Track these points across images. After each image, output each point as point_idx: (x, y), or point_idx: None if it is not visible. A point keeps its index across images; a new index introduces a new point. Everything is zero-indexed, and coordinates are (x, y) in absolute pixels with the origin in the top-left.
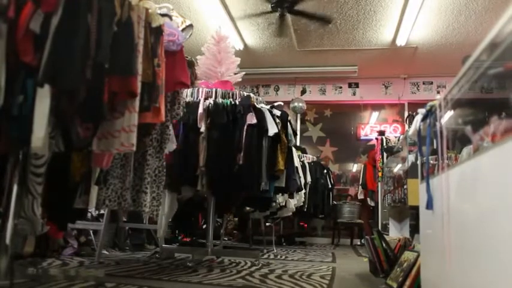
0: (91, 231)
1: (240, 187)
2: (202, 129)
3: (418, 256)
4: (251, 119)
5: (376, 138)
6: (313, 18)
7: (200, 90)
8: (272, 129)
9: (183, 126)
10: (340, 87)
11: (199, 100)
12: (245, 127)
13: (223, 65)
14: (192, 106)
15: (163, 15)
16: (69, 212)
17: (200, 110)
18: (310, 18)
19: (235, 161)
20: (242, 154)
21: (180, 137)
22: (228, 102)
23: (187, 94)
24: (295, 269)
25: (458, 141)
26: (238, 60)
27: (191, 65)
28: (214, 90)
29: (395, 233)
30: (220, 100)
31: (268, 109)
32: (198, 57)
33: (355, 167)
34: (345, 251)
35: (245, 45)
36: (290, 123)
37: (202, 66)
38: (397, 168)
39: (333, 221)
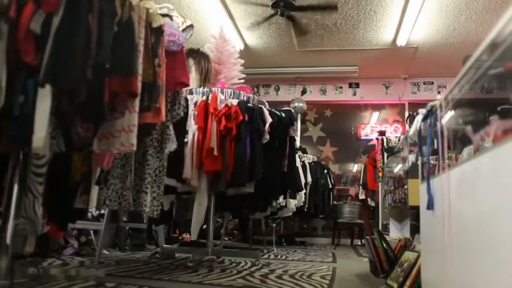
0: (91, 231)
1: (283, 189)
2: (267, 136)
3: (418, 256)
4: (293, 132)
5: (377, 139)
6: (317, 9)
7: (242, 93)
8: (297, 140)
9: (250, 131)
10: (341, 87)
11: (262, 107)
12: (288, 138)
13: (234, 66)
14: (255, 111)
15: (163, 15)
16: (70, 211)
17: (269, 118)
18: (314, 10)
19: (281, 168)
20: (287, 162)
21: (247, 140)
22: (280, 114)
23: (230, 94)
24: (296, 269)
25: (459, 141)
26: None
27: (208, 59)
28: (252, 96)
29: (396, 233)
30: (273, 110)
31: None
32: None
33: (355, 167)
34: (345, 251)
35: (245, 45)
36: None
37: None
38: (398, 169)
39: (333, 221)
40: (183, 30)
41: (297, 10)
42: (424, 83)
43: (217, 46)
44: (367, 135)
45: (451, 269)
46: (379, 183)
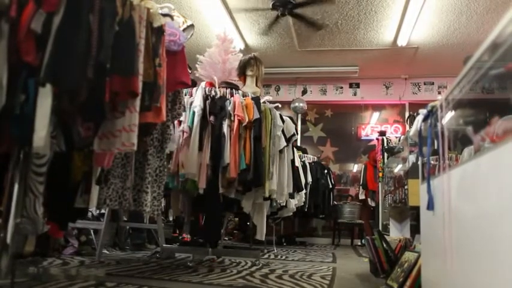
0: (92, 231)
1: None
2: None
3: (418, 257)
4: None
5: (377, 139)
6: (304, 21)
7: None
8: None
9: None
10: (341, 88)
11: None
12: None
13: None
14: None
15: (164, 15)
16: (70, 211)
17: None
18: (302, 20)
19: None
20: None
21: None
22: None
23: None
24: (296, 269)
25: (459, 141)
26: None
27: (262, 64)
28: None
29: (396, 233)
30: None
31: None
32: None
33: (355, 167)
34: (345, 252)
35: (246, 45)
36: None
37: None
38: (398, 169)
39: (333, 221)
40: (184, 30)
41: (297, 7)
42: (424, 84)
43: (220, 53)
44: (367, 136)
45: (451, 269)
46: (379, 184)
